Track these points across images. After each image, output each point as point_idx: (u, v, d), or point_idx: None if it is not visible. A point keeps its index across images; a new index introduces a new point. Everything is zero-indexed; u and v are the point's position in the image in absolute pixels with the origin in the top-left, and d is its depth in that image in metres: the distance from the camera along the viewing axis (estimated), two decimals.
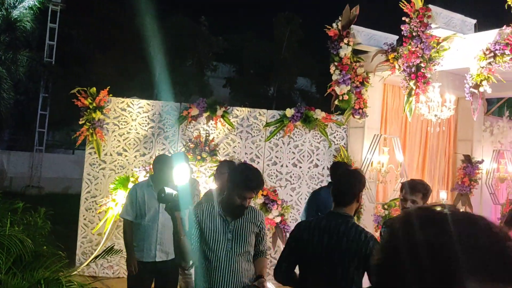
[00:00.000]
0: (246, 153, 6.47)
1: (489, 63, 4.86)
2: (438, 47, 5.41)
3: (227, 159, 5.60)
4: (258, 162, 6.43)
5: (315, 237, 2.64)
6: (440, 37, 5.44)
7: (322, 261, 2.58)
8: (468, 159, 7.86)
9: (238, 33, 22.38)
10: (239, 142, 6.46)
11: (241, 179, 2.84)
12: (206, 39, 20.15)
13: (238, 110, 6.55)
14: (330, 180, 6.48)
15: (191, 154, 5.96)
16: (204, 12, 21.35)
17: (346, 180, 2.77)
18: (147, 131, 6.39)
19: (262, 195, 5.79)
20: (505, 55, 4.62)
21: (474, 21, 5.52)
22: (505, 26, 4.80)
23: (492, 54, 4.83)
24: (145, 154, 6.35)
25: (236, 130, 6.48)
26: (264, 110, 6.58)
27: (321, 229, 2.64)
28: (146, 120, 6.40)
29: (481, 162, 7.83)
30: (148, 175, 5.65)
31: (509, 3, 4.37)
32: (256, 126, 6.52)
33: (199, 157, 5.96)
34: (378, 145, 6.21)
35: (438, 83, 5.93)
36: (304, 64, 21.05)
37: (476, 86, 5.05)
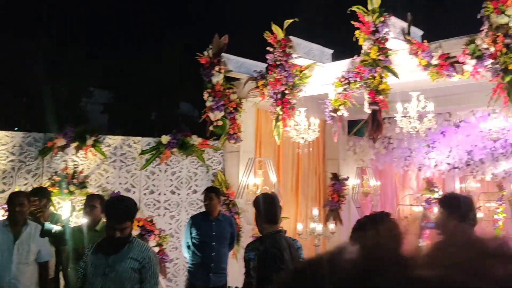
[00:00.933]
0: (120, 183, 6.21)
1: (345, 89, 5.37)
2: (301, 75, 5.83)
3: (96, 193, 5.33)
4: (134, 192, 6.22)
5: (291, 254, 3.16)
6: (302, 66, 5.88)
7: None
8: (335, 176, 8.53)
9: (120, 57, 21.64)
10: (112, 172, 6.19)
11: (106, 212, 2.91)
12: (82, 63, 19.13)
13: (111, 139, 6.29)
14: None
15: (58, 188, 5.54)
16: (84, 34, 20.30)
17: (277, 203, 3.37)
18: (6, 165, 5.79)
19: (138, 226, 5.58)
20: (356, 82, 5.14)
21: (331, 51, 6.08)
22: (356, 56, 5.36)
23: (346, 81, 5.34)
24: (4, 190, 5.73)
25: (109, 159, 6.20)
26: (139, 138, 6.42)
27: (288, 246, 3.16)
28: (5, 154, 5.81)
29: (347, 178, 8.55)
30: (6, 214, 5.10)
31: (357, 36, 4.91)
32: (131, 155, 6.32)
33: (66, 191, 5.56)
34: (252, 168, 6.42)
35: (304, 108, 6.38)
36: (187, 89, 21.08)
37: (335, 110, 5.53)
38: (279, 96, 5.51)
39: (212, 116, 6.02)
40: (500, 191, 15.59)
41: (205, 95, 6.13)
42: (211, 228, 4.58)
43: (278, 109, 5.53)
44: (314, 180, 8.51)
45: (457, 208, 3.10)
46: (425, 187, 10.98)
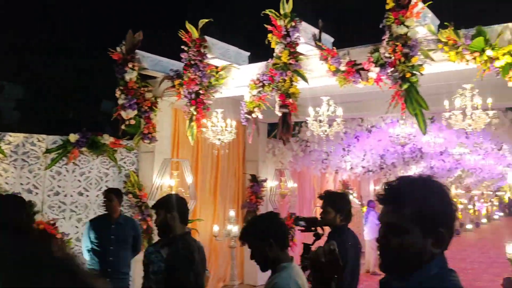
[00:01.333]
0: (21, 184, 5.77)
1: (259, 92, 5.41)
2: (217, 76, 5.80)
3: None
4: (37, 193, 5.81)
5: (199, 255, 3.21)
6: (218, 66, 5.85)
7: None
8: (254, 178, 8.61)
9: (37, 52, 20.27)
10: (12, 172, 5.73)
11: None
12: None
13: (11, 136, 5.83)
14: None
15: None
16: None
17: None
18: None
19: (38, 229, 5.21)
20: (270, 85, 5.19)
21: (248, 53, 6.11)
22: (270, 59, 5.42)
23: (261, 84, 5.38)
24: None
25: (10, 158, 5.74)
26: (44, 136, 6.01)
27: (198, 248, 3.22)
28: None
29: (265, 180, 8.65)
30: None
31: (269, 39, 4.98)
32: (35, 153, 5.90)
33: None
34: (167, 169, 6.27)
35: (220, 109, 6.35)
36: (110, 86, 20.24)
37: (250, 112, 5.55)
38: (193, 96, 5.43)
39: (124, 114, 5.80)
40: None
41: (118, 93, 5.89)
42: (110, 231, 4.38)
43: (192, 109, 5.45)
44: (233, 181, 8.52)
45: (334, 203, 3.41)
46: (341, 188, 11.45)
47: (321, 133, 5.52)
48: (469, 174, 21.65)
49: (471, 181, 24.04)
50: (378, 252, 1.34)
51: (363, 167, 12.11)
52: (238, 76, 5.89)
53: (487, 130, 7.55)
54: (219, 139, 6.25)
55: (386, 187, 1.32)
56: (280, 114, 4.98)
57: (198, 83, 5.38)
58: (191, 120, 5.46)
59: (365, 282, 9.18)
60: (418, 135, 9.33)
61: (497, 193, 36.87)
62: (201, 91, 5.42)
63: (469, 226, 22.99)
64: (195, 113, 5.39)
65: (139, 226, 4.99)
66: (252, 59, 6.03)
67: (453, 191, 22.62)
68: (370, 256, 10.25)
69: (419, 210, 1.24)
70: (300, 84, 5.39)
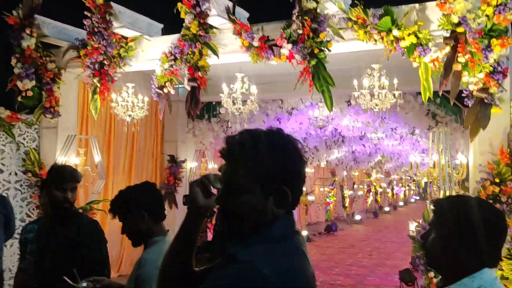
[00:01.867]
0: None
1: (171, 66, 5.13)
2: (126, 47, 5.44)
3: None
4: None
5: None
6: (128, 37, 5.48)
7: None
8: (173, 159, 8.33)
9: None
10: None
11: None
12: None
13: None
14: (18, 188, 5.77)
15: None
16: None
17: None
18: None
19: None
20: (182, 58, 4.93)
21: (161, 25, 5.79)
22: (183, 30, 5.13)
23: (173, 57, 5.11)
24: None
25: None
26: None
27: None
28: None
29: (184, 161, 8.41)
30: None
31: (179, 8, 4.71)
32: None
33: None
34: (70, 146, 5.83)
35: (131, 84, 6.00)
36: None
37: (161, 87, 5.27)
38: (96, 66, 5.04)
39: (21, 85, 5.27)
40: (332, 176, 17.24)
41: (13, 61, 5.34)
42: None
43: (95, 80, 5.06)
44: (150, 162, 8.19)
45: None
46: None
47: (235, 111, 5.37)
48: (388, 159, 22.79)
49: (391, 166, 25.35)
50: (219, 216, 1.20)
51: None
52: (150, 49, 5.56)
53: (400, 114, 7.84)
54: (129, 116, 5.92)
55: (227, 141, 1.17)
56: (188, 88, 4.76)
57: (102, 52, 4.99)
58: (94, 92, 5.08)
59: None
60: (338, 119, 9.55)
61: (414, 178, 39.39)
62: (105, 62, 5.04)
63: (387, 209, 24.29)
64: (98, 85, 5.01)
65: (10, 204, 4.51)
66: (167, 32, 5.72)
67: (374, 175, 23.75)
68: None
69: (259, 166, 1.10)
70: (214, 60, 5.20)
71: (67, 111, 6.05)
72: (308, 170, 14.43)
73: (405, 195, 33.18)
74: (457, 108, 7.31)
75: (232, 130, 9.05)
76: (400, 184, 30.76)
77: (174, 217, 8.30)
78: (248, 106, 5.38)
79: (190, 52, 4.63)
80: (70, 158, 5.96)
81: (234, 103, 5.37)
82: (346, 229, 16.02)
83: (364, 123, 6.34)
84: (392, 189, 27.70)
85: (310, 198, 12.83)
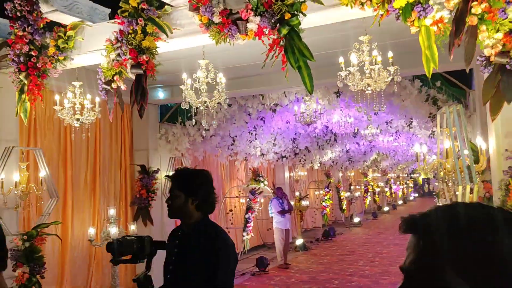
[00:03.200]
0: None
1: (118, 55, 4.21)
2: (65, 37, 4.52)
3: None
4: None
5: None
6: (67, 25, 4.57)
7: None
8: (144, 169, 7.39)
9: None
10: None
11: None
12: None
13: None
14: None
15: None
16: None
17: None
18: None
19: None
20: (123, 42, 4.00)
21: (108, 10, 4.88)
22: (121, 3, 4.18)
23: (119, 44, 4.19)
24: None
25: None
26: None
27: None
28: None
29: (157, 171, 7.47)
30: None
31: None
32: None
33: None
34: (7, 160, 4.88)
35: (78, 82, 5.08)
36: None
37: (109, 82, 4.34)
38: (22, 59, 4.11)
39: None
40: (327, 179, 16.32)
41: None
42: None
43: (21, 76, 4.12)
44: (118, 174, 7.24)
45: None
46: (251, 177, 10.56)
47: (199, 104, 4.45)
48: (384, 157, 21.95)
49: (387, 164, 24.51)
50: None
51: (276, 152, 11.31)
52: (94, 38, 4.63)
53: (395, 103, 6.96)
54: (77, 120, 4.99)
55: None
56: (132, 77, 3.84)
57: (27, 41, 4.06)
58: (21, 92, 4.14)
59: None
60: (327, 113, 8.65)
61: (411, 175, 38.63)
62: (33, 53, 4.11)
63: (386, 209, 23.41)
64: (26, 82, 4.08)
65: None
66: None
67: (370, 175, 22.88)
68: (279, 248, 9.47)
69: None
70: (174, 46, 4.31)
71: (6, 120, 5.11)
72: (301, 173, 13.50)
73: (403, 193, 32.34)
74: (459, 91, 6.45)
75: (210, 133, 8.14)
76: (398, 182, 29.92)
77: (149, 234, 7.34)
78: (215, 98, 4.45)
79: (131, 31, 3.71)
80: (12, 174, 5.01)
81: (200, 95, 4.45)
82: (345, 233, 15.10)
83: (356, 109, 5.39)
84: (390, 188, 26.85)
85: (305, 203, 11.89)
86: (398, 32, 4.69)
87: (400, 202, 29.21)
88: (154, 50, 3.68)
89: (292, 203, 10.76)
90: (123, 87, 4.40)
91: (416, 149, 3.63)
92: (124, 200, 7.28)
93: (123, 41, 3.77)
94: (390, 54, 3.87)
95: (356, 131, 12.05)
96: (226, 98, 4.55)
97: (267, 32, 3.50)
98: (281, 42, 3.28)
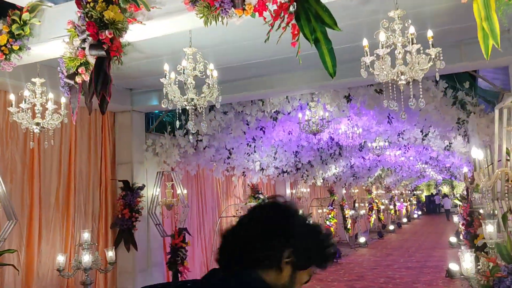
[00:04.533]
0: None
1: (83, 41, 3.33)
2: (21, 22, 3.66)
3: None
4: None
5: None
6: (23, 8, 3.71)
7: None
8: (127, 185, 6.45)
9: None
10: None
11: None
12: None
13: None
14: None
15: None
16: None
17: None
18: None
19: None
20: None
21: None
22: None
23: (84, 27, 3.31)
24: None
25: None
26: None
27: None
28: None
29: (143, 187, 6.54)
30: None
31: None
32: None
33: None
34: None
35: (40, 79, 4.19)
36: None
37: (72, 75, 3.46)
38: None
39: None
40: (331, 196, 15.36)
41: None
42: None
43: None
44: (97, 191, 6.29)
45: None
46: (250, 194, 9.62)
47: (185, 103, 3.55)
48: (388, 173, 21.04)
49: (391, 180, 23.59)
50: None
51: (276, 167, 10.40)
52: (58, 22, 3.76)
53: (414, 109, 6.06)
54: (37, 124, 4.09)
55: None
56: (92, 60, 2.95)
57: None
58: None
59: None
60: (334, 122, 7.77)
61: (414, 192, 37.61)
62: None
63: (391, 227, 22.38)
64: None
65: None
66: None
67: (374, 191, 21.91)
68: None
69: None
70: (153, 31, 3.47)
71: None
72: (304, 189, 12.55)
73: (407, 210, 31.30)
74: (491, 94, 5.58)
75: (203, 144, 7.23)
76: (402, 199, 28.93)
77: (133, 261, 6.40)
78: (205, 95, 3.56)
79: (90, 1, 2.84)
80: None
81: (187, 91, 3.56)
82: (351, 255, 14.06)
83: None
84: (394, 205, 25.86)
85: None
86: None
87: (405, 220, 28.16)
88: (120, 25, 2.79)
89: None
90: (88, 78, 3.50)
91: (474, 154, 2.72)
92: (103, 221, 6.33)
93: (82, 15, 2.88)
94: (429, 33, 2.99)
95: (363, 143, 11.18)
96: (219, 95, 3.66)
97: (270, 4, 2.63)
98: (291, 8, 2.39)
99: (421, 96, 3.23)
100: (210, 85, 3.58)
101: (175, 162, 7.13)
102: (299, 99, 6.72)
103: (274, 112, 6.94)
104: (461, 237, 8.14)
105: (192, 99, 3.59)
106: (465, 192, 8.31)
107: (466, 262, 3.47)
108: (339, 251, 13.13)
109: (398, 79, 2.99)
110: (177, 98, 3.55)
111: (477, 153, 2.66)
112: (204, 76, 3.64)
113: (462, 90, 5.48)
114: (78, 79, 3.48)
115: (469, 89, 5.50)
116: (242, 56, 5.14)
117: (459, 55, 4.78)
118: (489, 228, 3.54)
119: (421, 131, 8.01)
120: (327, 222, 14.09)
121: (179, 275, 6.75)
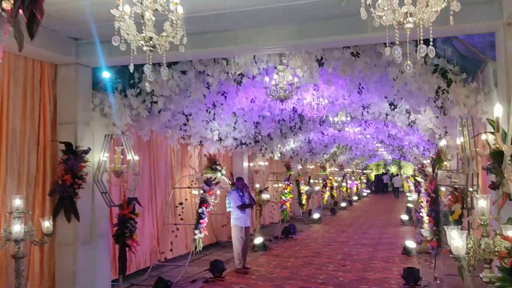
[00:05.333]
0: None
1: None
2: None
3: None
4: None
5: None
6: None
7: None
8: (70, 148, 5.68)
9: None
10: None
11: None
12: None
13: None
14: None
15: None
16: None
17: None
18: None
19: None
20: None
21: None
22: None
23: None
24: None
25: None
26: None
27: None
28: None
29: (88, 151, 5.79)
30: None
31: None
32: None
33: None
34: None
35: None
36: None
37: None
38: None
39: None
40: (288, 171, 15.07)
41: None
42: None
43: None
44: (33, 154, 5.48)
45: None
46: (207, 165, 9.04)
47: (141, 42, 2.89)
48: (343, 151, 21.09)
49: (344, 158, 23.75)
50: None
51: (235, 138, 9.84)
52: None
53: (393, 75, 5.65)
54: None
55: None
56: None
57: None
58: None
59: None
60: (301, 90, 7.28)
61: (364, 171, 38.45)
62: None
63: (343, 204, 22.63)
64: None
65: None
66: None
67: (328, 169, 21.95)
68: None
69: None
70: None
71: None
72: (262, 163, 12.12)
73: (357, 188, 31.94)
74: (472, 62, 5.27)
75: (158, 107, 6.54)
76: (353, 178, 29.38)
77: (74, 232, 5.69)
78: (167, 33, 2.91)
79: None
80: None
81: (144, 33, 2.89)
82: (305, 231, 13.92)
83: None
84: (346, 183, 26.20)
85: (265, 196, 10.55)
86: None
87: (355, 198, 28.69)
88: None
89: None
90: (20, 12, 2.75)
91: (496, 111, 2.29)
92: (40, 187, 5.54)
93: None
94: None
95: (324, 118, 10.84)
96: (184, 35, 3.02)
97: None
98: None
99: (409, 56, 2.73)
100: (174, 22, 2.93)
101: (126, 125, 6.40)
102: (267, 61, 6.14)
103: (239, 75, 6.33)
104: (422, 214, 7.98)
105: (151, 38, 2.92)
106: (427, 170, 8.13)
107: (456, 240, 3.11)
108: (294, 227, 12.92)
109: (405, 22, 2.49)
110: (133, 36, 2.87)
111: (498, 109, 2.24)
112: (167, 12, 2.98)
113: (444, 58, 5.14)
114: (5, 4, 2.72)
115: (450, 57, 5.17)
116: (206, 5, 4.48)
117: (446, 18, 4.36)
118: (481, 203, 3.20)
119: (390, 104, 7.68)
120: (283, 197, 13.81)
121: (127, 248, 6.13)
